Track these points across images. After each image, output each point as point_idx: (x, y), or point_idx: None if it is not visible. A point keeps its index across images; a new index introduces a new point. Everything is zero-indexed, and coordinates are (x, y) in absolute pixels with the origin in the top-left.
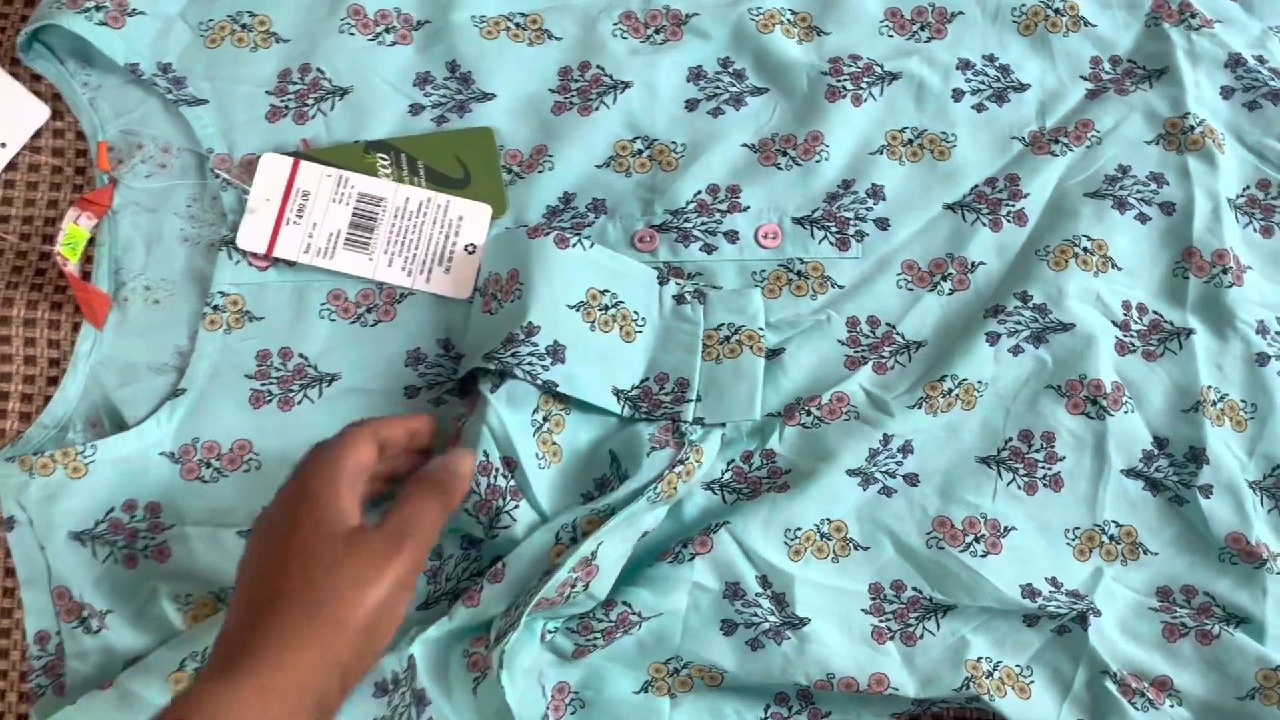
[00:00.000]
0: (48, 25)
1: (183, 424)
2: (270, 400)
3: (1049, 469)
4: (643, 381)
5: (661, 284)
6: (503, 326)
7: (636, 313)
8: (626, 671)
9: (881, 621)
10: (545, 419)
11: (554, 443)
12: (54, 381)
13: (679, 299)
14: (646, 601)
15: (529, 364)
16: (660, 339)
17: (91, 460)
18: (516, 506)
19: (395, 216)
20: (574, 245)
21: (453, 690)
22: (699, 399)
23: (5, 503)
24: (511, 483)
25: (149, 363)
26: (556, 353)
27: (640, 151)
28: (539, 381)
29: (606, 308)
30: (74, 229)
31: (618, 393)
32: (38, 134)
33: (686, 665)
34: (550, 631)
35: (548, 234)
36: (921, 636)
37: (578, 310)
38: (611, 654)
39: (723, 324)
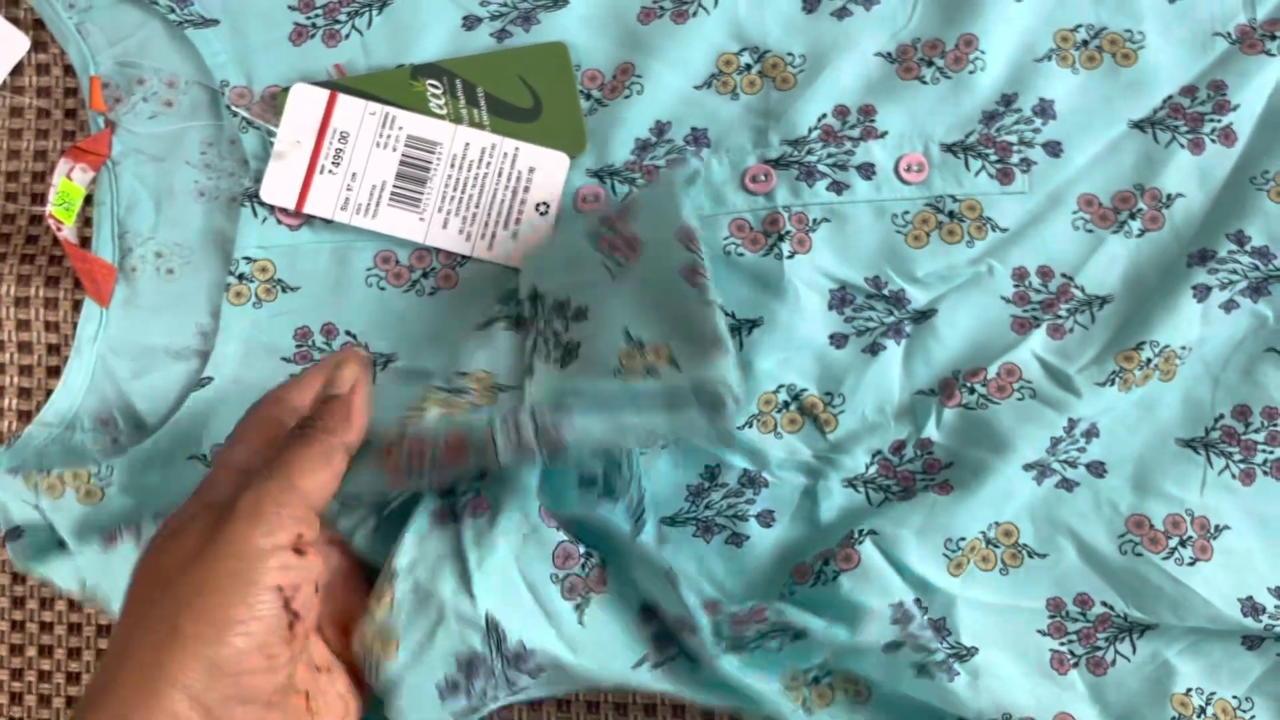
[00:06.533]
0: None
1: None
2: None
3: (1271, 452)
4: None
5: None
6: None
7: None
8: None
9: (1063, 644)
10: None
11: None
12: (55, 372)
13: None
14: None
15: None
16: None
17: (108, 483)
18: None
19: (452, 166)
20: None
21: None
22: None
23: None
24: None
25: (166, 346)
26: None
27: (749, 66)
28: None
29: None
30: (67, 185)
31: None
32: (18, 69)
33: (829, 674)
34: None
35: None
36: (1114, 663)
37: None
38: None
39: None
